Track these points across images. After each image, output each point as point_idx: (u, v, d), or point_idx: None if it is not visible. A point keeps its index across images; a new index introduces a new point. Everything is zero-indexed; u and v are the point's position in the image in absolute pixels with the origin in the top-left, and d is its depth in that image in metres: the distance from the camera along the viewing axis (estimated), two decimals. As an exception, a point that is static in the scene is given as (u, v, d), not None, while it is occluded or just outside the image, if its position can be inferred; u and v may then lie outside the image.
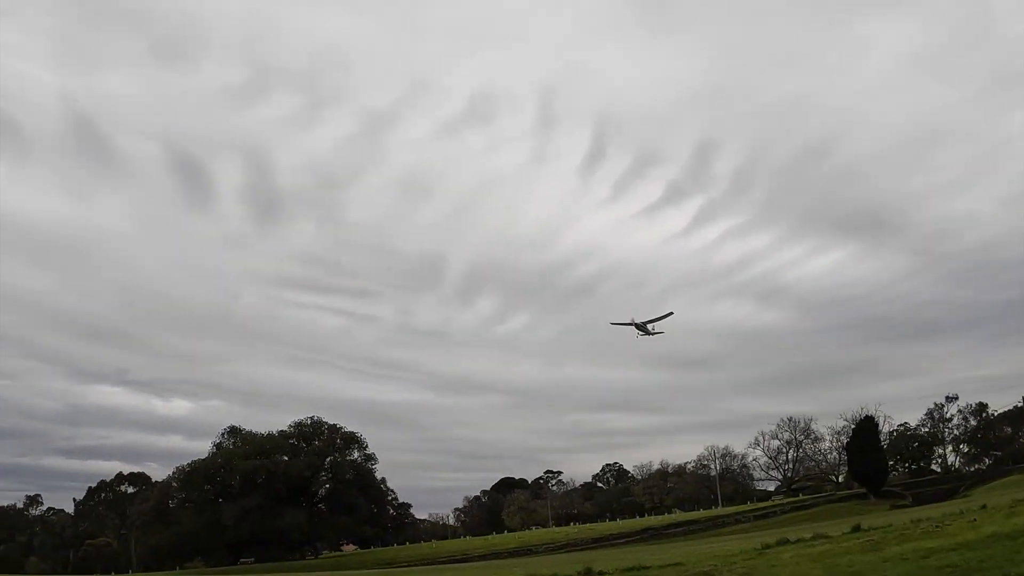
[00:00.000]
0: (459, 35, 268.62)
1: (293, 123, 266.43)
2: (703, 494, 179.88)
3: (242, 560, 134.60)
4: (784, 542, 31.50)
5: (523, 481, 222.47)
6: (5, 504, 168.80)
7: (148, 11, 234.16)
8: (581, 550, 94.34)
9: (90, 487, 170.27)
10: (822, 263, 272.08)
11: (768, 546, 30.81)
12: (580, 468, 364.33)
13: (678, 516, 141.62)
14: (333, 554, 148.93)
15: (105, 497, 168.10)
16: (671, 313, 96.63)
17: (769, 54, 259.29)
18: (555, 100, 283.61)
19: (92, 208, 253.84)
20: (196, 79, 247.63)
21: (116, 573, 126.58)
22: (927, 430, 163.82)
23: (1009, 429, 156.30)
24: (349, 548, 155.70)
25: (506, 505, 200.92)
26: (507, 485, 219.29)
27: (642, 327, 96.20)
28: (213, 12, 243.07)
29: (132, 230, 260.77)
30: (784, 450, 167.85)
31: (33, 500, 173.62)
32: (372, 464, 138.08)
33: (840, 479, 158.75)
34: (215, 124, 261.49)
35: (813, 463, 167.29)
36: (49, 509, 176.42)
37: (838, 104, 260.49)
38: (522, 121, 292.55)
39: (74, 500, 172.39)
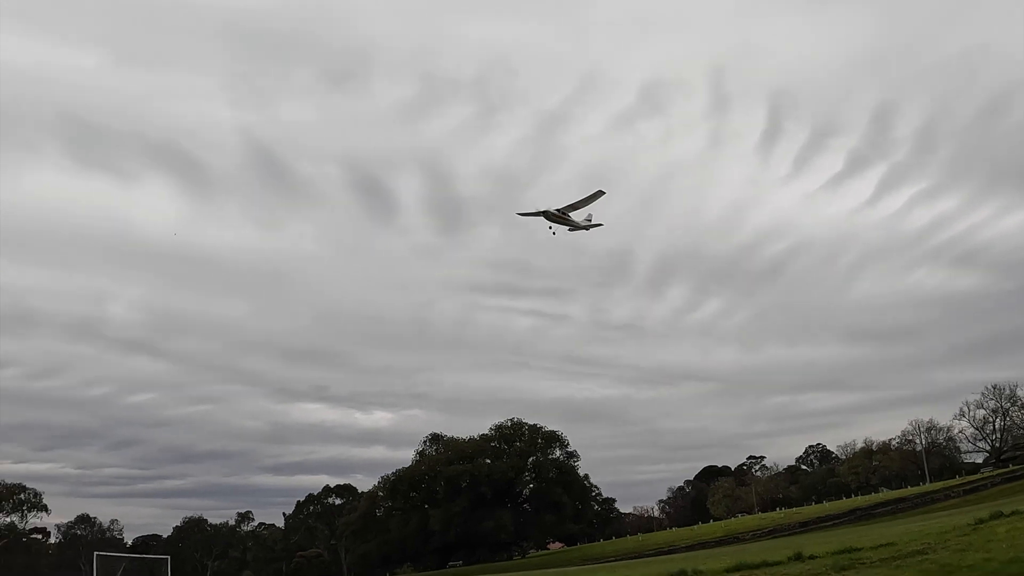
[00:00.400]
0: (623, 27, 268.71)
1: (467, 132, 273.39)
2: (910, 471, 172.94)
3: (450, 563, 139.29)
4: (998, 515, 30.99)
5: (726, 468, 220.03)
6: (218, 522, 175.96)
7: (314, 40, 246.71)
8: (788, 535, 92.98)
9: (298, 501, 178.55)
10: (1016, 220, 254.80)
11: (982, 520, 30.39)
12: (783, 452, 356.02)
13: (885, 495, 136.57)
14: (540, 553, 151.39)
15: (314, 510, 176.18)
16: (601, 193, 72.59)
17: (935, 8, 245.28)
18: (726, 81, 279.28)
19: (281, 234, 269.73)
20: (368, 98, 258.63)
21: None
22: None
23: None
24: (555, 546, 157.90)
25: (710, 494, 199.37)
26: (710, 473, 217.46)
27: (559, 218, 74.06)
28: (377, 33, 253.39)
29: (322, 252, 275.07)
30: (991, 419, 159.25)
31: (244, 517, 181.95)
32: (574, 461, 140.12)
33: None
34: (391, 140, 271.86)
35: (1021, 431, 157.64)
36: (260, 524, 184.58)
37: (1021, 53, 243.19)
38: (695, 106, 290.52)
39: (284, 514, 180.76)
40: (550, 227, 73.42)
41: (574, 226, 76.61)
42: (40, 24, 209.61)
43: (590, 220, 78.24)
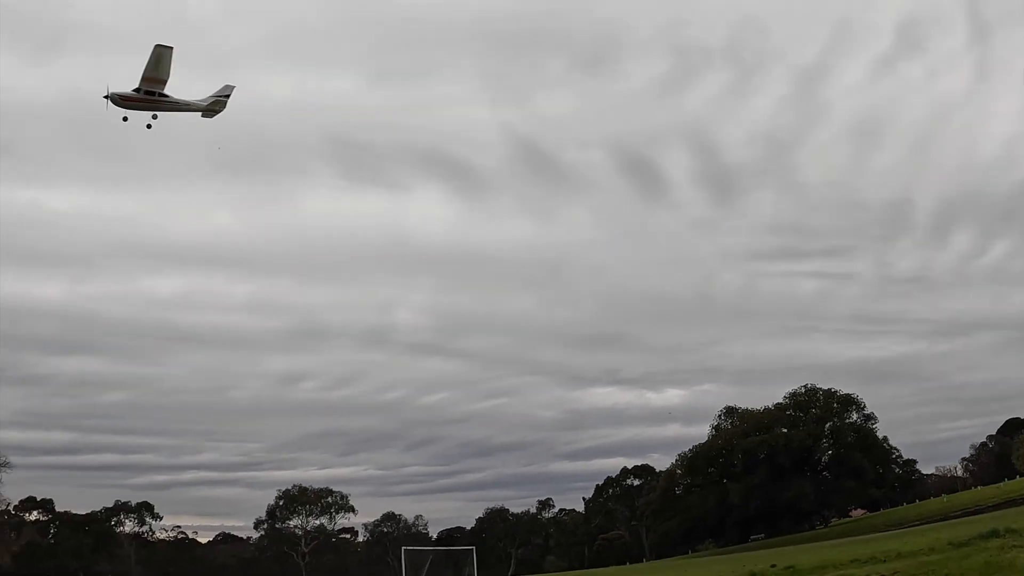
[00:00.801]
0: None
1: (727, 98, 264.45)
2: None
3: (752, 536, 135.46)
4: None
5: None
6: (519, 511, 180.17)
7: (561, 31, 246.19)
8: None
9: (597, 485, 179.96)
10: None
11: None
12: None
13: None
14: (842, 521, 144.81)
15: (613, 492, 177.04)
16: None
17: None
18: (983, 7, 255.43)
19: (555, 225, 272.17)
20: (622, 80, 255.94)
21: (630, 563, 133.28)
22: None
23: None
24: (857, 513, 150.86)
25: (1015, 448, 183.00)
26: (1013, 426, 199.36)
27: (145, 101, 51.04)
28: (622, 14, 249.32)
29: (597, 236, 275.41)
30: None
31: (545, 504, 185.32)
32: (872, 424, 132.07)
33: None
34: (652, 118, 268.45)
35: None
36: (561, 510, 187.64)
37: None
38: (956, 39, 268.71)
39: (583, 499, 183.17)
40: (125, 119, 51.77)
41: (182, 107, 53.52)
42: (294, 56, 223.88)
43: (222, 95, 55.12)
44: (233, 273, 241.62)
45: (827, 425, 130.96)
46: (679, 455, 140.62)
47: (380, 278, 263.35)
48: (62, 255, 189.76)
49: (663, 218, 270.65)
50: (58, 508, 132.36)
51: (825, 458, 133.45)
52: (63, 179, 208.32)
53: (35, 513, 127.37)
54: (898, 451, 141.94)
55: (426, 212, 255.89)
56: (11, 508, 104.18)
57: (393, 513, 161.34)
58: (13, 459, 78.79)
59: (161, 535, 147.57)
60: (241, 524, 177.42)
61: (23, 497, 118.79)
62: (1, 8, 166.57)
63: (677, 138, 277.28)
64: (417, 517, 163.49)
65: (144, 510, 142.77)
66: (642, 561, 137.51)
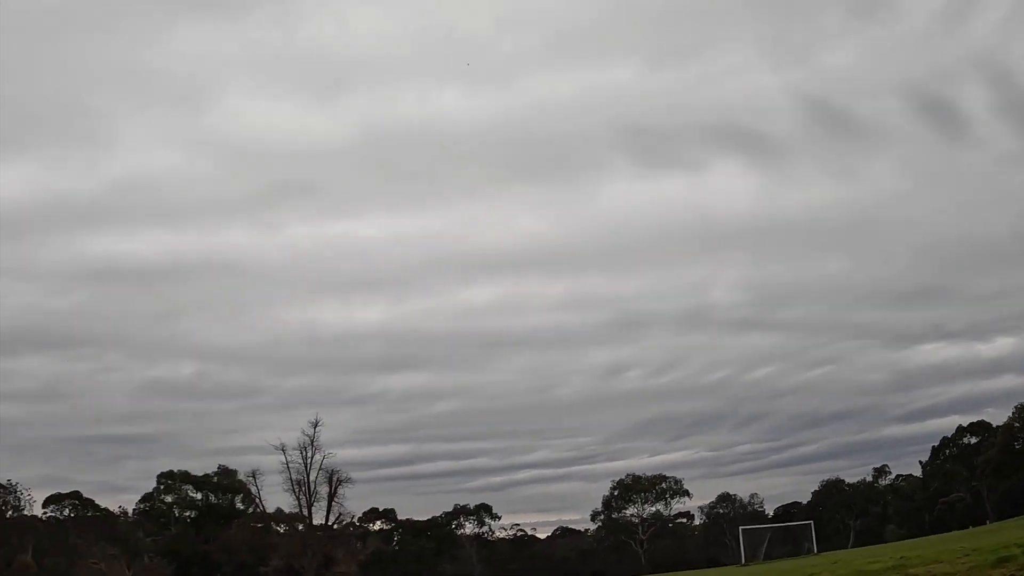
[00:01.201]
0: None
1: (1015, 20, 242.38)
2: None
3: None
4: None
5: None
6: (855, 480, 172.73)
7: None
8: None
9: (933, 446, 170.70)
10: None
11: None
12: None
13: None
14: None
15: (949, 453, 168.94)
16: None
17: None
18: None
19: (856, 182, 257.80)
20: (902, 18, 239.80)
21: (972, 526, 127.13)
22: None
23: None
24: None
25: None
26: None
27: None
28: None
29: (902, 187, 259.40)
30: None
31: (880, 471, 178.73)
32: None
33: None
34: (939, 54, 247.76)
35: None
36: (897, 476, 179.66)
37: None
38: None
39: (920, 463, 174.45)
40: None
41: None
42: (572, 54, 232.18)
43: None
44: (544, 274, 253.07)
45: None
46: (1016, 407, 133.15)
47: (690, 260, 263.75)
48: (377, 279, 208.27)
49: (968, 158, 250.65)
50: (400, 516, 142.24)
51: None
52: (369, 208, 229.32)
53: (378, 523, 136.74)
54: None
55: (726, 187, 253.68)
56: (355, 520, 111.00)
57: (728, 493, 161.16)
58: (354, 475, 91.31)
59: (500, 534, 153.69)
60: (577, 517, 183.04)
61: (366, 509, 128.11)
62: (282, 56, 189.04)
63: (970, 71, 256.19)
64: (752, 495, 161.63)
65: (482, 511, 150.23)
66: (984, 523, 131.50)
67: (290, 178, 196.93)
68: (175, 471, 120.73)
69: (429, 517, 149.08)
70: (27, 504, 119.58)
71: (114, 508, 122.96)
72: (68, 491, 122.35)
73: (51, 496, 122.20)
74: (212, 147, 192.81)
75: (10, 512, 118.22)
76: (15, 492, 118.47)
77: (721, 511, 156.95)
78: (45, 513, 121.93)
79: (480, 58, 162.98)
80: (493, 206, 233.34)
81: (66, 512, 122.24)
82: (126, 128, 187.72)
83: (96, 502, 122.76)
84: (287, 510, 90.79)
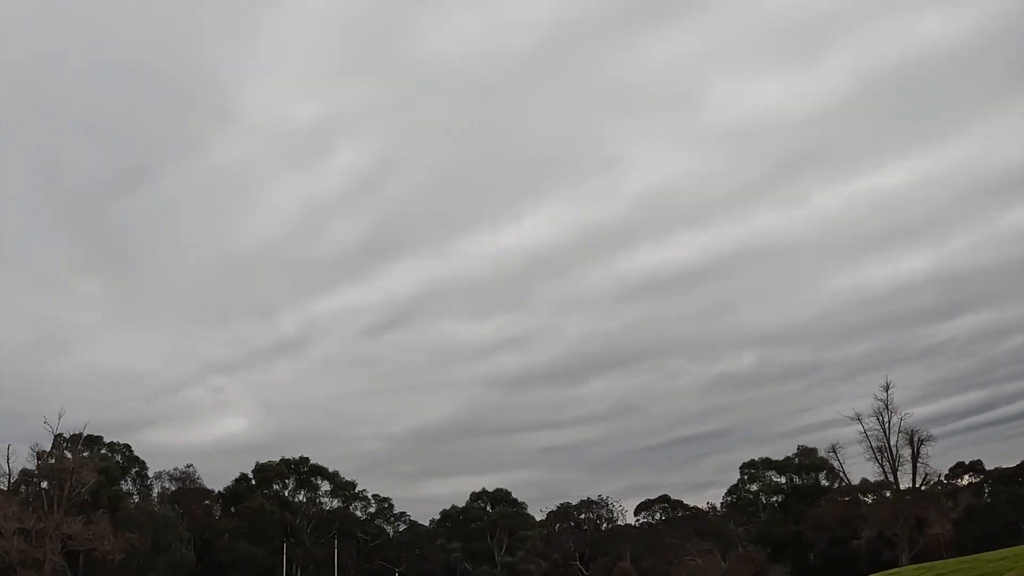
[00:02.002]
0: None
1: None
2: None
3: None
4: None
5: None
6: None
7: None
8: None
9: None
10: None
11: None
12: None
13: None
14: None
15: None
16: None
17: None
18: None
19: None
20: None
21: None
22: None
23: None
24: None
25: None
26: None
27: None
28: None
29: None
30: None
31: None
32: None
33: None
34: None
35: None
36: None
37: None
38: None
39: None
40: None
41: None
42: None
43: None
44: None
45: None
46: None
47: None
48: (914, 226, 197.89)
49: None
50: (987, 467, 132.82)
51: None
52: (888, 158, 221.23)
53: (966, 477, 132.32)
54: None
55: None
56: (942, 478, 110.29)
57: None
58: (934, 430, 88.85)
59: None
60: None
61: (951, 464, 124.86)
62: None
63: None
64: None
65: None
66: None
67: (800, 147, 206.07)
68: (756, 459, 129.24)
69: (1020, 462, 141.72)
70: (619, 515, 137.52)
71: (702, 505, 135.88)
72: (656, 496, 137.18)
73: (641, 503, 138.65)
74: (715, 140, 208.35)
75: (605, 524, 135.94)
76: (607, 505, 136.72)
77: None
78: (638, 520, 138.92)
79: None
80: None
81: (657, 516, 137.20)
82: (629, 146, 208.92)
83: (684, 502, 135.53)
84: (872, 479, 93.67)
